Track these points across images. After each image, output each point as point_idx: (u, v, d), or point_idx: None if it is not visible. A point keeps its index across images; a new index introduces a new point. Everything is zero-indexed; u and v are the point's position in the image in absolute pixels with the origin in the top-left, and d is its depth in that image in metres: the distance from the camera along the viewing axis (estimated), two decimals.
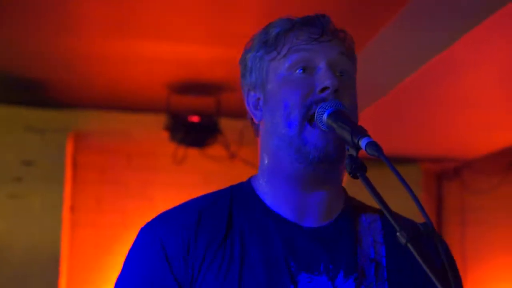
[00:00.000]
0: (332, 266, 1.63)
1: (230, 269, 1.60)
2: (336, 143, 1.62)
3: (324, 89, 1.63)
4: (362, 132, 1.54)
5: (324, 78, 1.63)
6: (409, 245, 1.36)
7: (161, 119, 5.62)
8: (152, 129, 5.86)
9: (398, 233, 1.38)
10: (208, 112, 5.57)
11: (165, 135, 5.60)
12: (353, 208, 1.75)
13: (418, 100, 4.45)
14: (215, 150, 5.80)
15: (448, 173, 6.50)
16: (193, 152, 5.84)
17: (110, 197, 6.15)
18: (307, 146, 1.62)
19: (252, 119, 1.76)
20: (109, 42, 4.53)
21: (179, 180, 6.05)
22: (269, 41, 1.70)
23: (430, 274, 1.32)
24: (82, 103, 5.92)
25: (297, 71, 1.65)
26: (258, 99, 1.72)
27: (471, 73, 3.91)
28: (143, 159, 6.22)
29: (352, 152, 1.54)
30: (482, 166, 6.29)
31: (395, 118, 4.85)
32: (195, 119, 5.55)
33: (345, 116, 1.60)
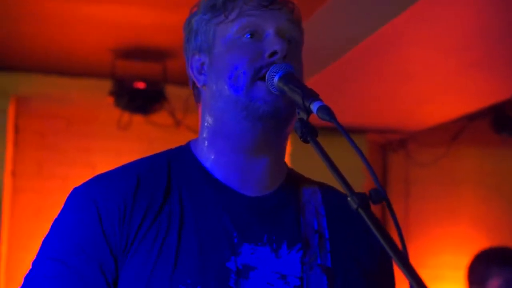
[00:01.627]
0: (275, 237, 1.60)
1: (167, 239, 1.56)
2: (286, 102, 1.59)
3: (273, 53, 1.60)
4: (314, 96, 1.51)
5: (273, 43, 1.61)
6: (360, 210, 1.33)
7: (105, 85, 5.52)
8: (95, 95, 5.77)
9: (349, 198, 1.34)
10: (154, 79, 5.50)
11: (109, 100, 5.51)
12: (294, 179, 1.73)
13: (362, 72, 4.46)
14: (161, 117, 5.73)
15: (393, 144, 6.53)
16: (137, 118, 5.76)
17: (51, 163, 6.04)
18: (256, 102, 1.59)
19: (194, 84, 1.71)
20: (51, 2, 4.42)
21: (123, 147, 5.97)
22: (217, 5, 1.66)
23: (381, 240, 1.30)
24: (25, 66, 5.78)
25: (245, 35, 1.62)
26: (203, 63, 1.68)
27: (415, 45, 3.93)
28: (86, 125, 6.11)
29: (303, 115, 1.51)
30: (426, 138, 6.34)
31: (339, 89, 4.85)
32: (140, 85, 5.48)
33: (296, 79, 1.57)
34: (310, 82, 4.53)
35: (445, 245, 6.39)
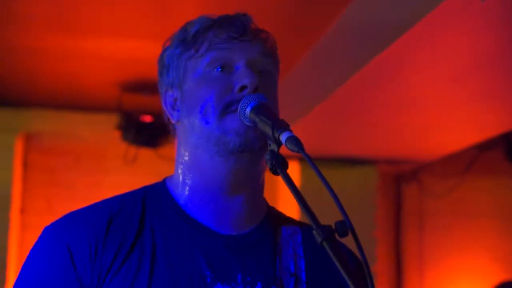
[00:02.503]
0: (249, 278, 1.56)
1: (138, 277, 1.51)
2: (258, 134, 1.55)
3: (242, 87, 1.57)
4: (284, 126, 1.47)
5: (242, 77, 1.58)
6: (324, 243, 1.29)
7: (112, 119, 5.52)
8: (103, 129, 5.76)
9: (314, 231, 1.30)
10: (161, 112, 5.46)
11: (116, 135, 5.51)
12: (274, 218, 1.68)
13: (371, 100, 4.41)
14: (168, 150, 5.71)
15: (405, 175, 6.47)
16: (145, 152, 5.74)
17: (60, 199, 6.03)
18: (228, 135, 1.56)
19: (169, 119, 1.68)
20: (59, 38, 4.43)
21: (131, 181, 5.90)
22: (187, 39, 1.63)
23: (343, 273, 1.26)
24: (32, 102, 5.80)
25: (215, 69, 1.60)
26: (175, 99, 1.65)
27: (422, 72, 3.87)
28: (94, 160, 6.11)
29: (274, 147, 1.48)
30: (439, 169, 6.28)
31: (347, 118, 4.81)
32: (147, 118, 5.47)
33: (268, 110, 1.53)
34: (316, 111, 4.53)
35: (461, 277, 6.29)
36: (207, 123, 1.57)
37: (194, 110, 1.59)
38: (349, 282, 1.24)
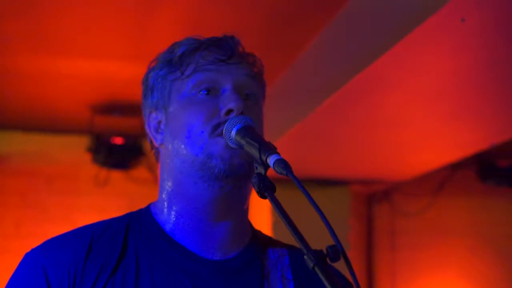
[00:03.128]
0: None
1: None
2: (243, 159, 1.53)
3: (229, 111, 1.55)
4: (271, 149, 1.45)
5: (229, 100, 1.56)
6: (316, 268, 1.26)
7: (83, 141, 5.47)
8: (73, 151, 5.70)
9: (305, 256, 1.28)
10: (133, 134, 5.44)
11: (87, 157, 5.45)
12: (260, 241, 1.66)
13: (342, 121, 4.41)
14: (140, 172, 5.66)
15: (377, 195, 6.47)
16: (116, 174, 5.69)
17: (30, 222, 5.94)
18: (213, 160, 1.53)
19: (152, 142, 1.65)
20: (29, 58, 4.38)
21: (102, 204, 5.87)
22: (173, 60, 1.61)
23: None
24: (1, 123, 5.72)
25: (201, 92, 1.57)
26: (160, 121, 1.63)
27: (394, 92, 3.87)
28: (65, 182, 6.03)
29: (260, 170, 1.45)
30: (411, 189, 6.29)
31: (320, 139, 4.79)
32: (118, 140, 5.42)
33: (254, 132, 1.52)
34: (288, 134, 4.51)
35: None
36: (192, 147, 1.54)
37: (179, 135, 1.56)
38: None
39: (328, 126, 4.52)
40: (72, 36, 4.05)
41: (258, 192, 1.43)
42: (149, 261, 1.53)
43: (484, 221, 6.43)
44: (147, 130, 1.65)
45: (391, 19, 3.20)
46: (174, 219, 1.58)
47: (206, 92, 1.57)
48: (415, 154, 5.19)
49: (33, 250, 1.56)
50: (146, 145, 5.41)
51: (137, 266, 1.52)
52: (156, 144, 1.63)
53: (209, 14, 3.73)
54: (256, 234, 1.67)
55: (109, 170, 5.59)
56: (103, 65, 4.49)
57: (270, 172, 1.45)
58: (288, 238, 1.73)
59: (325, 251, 1.29)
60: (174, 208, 1.59)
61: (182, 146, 1.55)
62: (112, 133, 5.43)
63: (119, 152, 5.38)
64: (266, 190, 1.43)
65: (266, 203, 1.65)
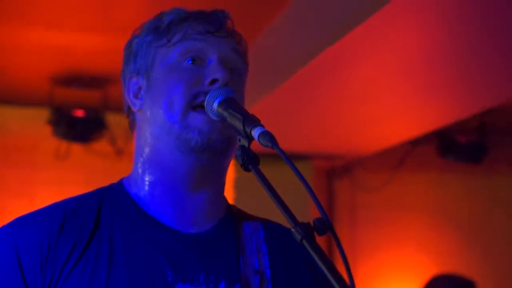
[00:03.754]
0: (212, 277, 1.51)
1: (95, 277, 1.46)
2: (222, 133, 1.52)
3: (213, 81, 1.54)
4: (255, 122, 1.44)
5: (214, 70, 1.54)
6: (304, 241, 1.26)
7: (43, 113, 5.39)
8: (34, 124, 5.62)
9: (292, 229, 1.28)
10: (94, 106, 5.37)
11: (47, 129, 5.37)
12: (234, 215, 1.64)
13: (306, 96, 4.41)
14: (101, 145, 5.60)
15: (338, 170, 6.50)
16: (77, 147, 5.62)
17: None
18: (190, 132, 1.51)
19: (129, 109, 1.63)
20: None
21: (62, 177, 5.79)
22: (160, 27, 1.59)
23: (325, 272, 1.23)
24: None
25: (187, 60, 1.55)
26: (140, 87, 1.60)
27: (358, 69, 3.88)
28: (23, 155, 5.94)
29: (244, 142, 1.44)
30: (372, 164, 6.33)
31: (283, 114, 4.80)
32: (79, 113, 5.35)
33: (237, 104, 1.50)
34: (255, 107, 4.50)
35: (392, 271, 6.36)
36: (171, 116, 1.52)
37: (159, 101, 1.54)
38: (332, 279, 1.21)
39: (292, 101, 4.51)
40: (31, 5, 3.98)
41: (241, 165, 1.42)
42: (122, 235, 1.51)
43: (443, 197, 6.50)
44: (125, 96, 1.62)
45: None
46: (148, 190, 1.56)
47: (191, 61, 1.55)
48: (376, 129, 5.22)
49: (3, 228, 1.53)
50: (108, 118, 5.38)
51: (111, 241, 1.50)
52: (134, 109, 1.60)
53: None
54: (231, 208, 1.66)
55: (69, 143, 5.52)
56: (63, 35, 4.42)
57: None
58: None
59: (312, 224, 1.28)
60: (148, 177, 1.56)
61: (161, 111, 1.53)
62: (73, 106, 5.36)
63: (80, 125, 5.31)
64: (250, 162, 1.41)
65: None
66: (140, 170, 1.58)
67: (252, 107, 4.38)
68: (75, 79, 5.17)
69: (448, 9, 3.06)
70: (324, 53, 3.57)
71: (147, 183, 1.56)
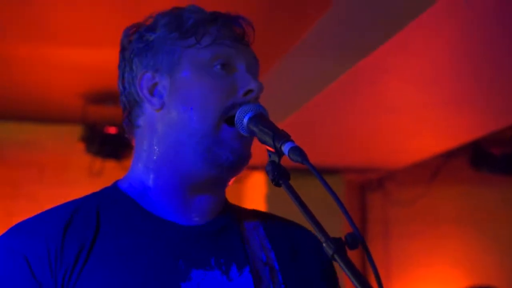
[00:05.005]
0: (223, 260, 1.52)
1: (107, 276, 1.45)
2: (249, 150, 1.54)
3: (248, 91, 1.53)
4: (285, 137, 1.43)
5: (248, 81, 1.54)
6: (335, 256, 1.25)
7: (76, 130, 5.43)
8: (66, 141, 5.66)
9: (324, 244, 1.27)
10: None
11: (80, 146, 5.41)
12: (233, 209, 1.64)
13: (337, 110, 4.41)
14: None
15: (371, 184, 6.47)
16: (110, 164, 5.65)
17: (22, 212, 5.86)
18: (222, 147, 1.51)
19: (127, 104, 1.59)
20: (22, 46, 4.35)
21: None
22: (185, 26, 1.55)
23: (358, 287, 1.23)
24: None
25: (217, 66, 1.54)
26: (156, 83, 1.55)
27: (390, 81, 3.87)
28: (58, 172, 5.99)
29: (274, 158, 1.44)
30: (405, 177, 6.29)
31: (315, 128, 4.80)
32: (112, 130, 5.38)
33: (267, 120, 1.50)
34: (286, 122, 4.50)
35: (427, 284, 6.31)
36: (203, 125, 1.50)
37: (191, 104, 1.51)
38: None
39: (323, 115, 4.51)
40: (65, 23, 4.02)
41: (272, 180, 1.42)
42: (126, 233, 1.50)
43: (477, 209, 6.44)
44: (137, 90, 1.57)
45: (391, 7, 3.19)
46: (153, 188, 1.55)
47: (221, 67, 1.54)
48: (409, 142, 5.20)
49: (5, 236, 1.50)
50: None
51: (116, 239, 1.49)
52: (155, 107, 1.55)
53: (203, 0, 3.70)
54: (228, 203, 1.65)
55: (103, 160, 5.56)
56: (96, 53, 4.46)
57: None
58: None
59: (343, 239, 1.27)
60: (157, 177, 1.55)
61: (193, 120, 1.51)
62: (106, 123, 5.39)
63: (112, 141, 5.34)
64: (281, 177, 1.41)
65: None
66: (146, 169, 1.56)
67: (283, 122, 4.38)
68: (108, 96, 5.20)
69: (480, 19, 3.05)
70: (355, 67, 3.57)
71: (152, 182, 1.55)
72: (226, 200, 1.64)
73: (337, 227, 5.39)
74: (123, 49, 1.61)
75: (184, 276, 1.48)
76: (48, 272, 1.44)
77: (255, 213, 1.67)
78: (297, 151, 1.39)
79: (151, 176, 1.55)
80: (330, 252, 1.26)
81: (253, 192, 5.97)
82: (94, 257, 1.46)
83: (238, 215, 1.63)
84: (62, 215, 1.51)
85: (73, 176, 5.95)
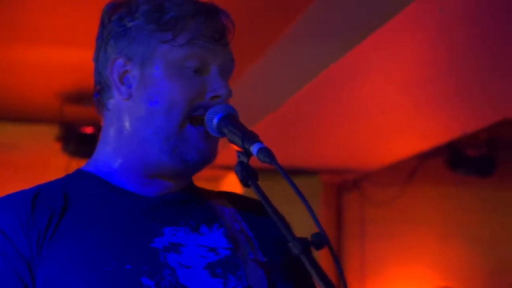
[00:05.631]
0: (192, 222, 1.55)
1: (80, 234, 1.48)
2: (215, 148, 1.55)
3: (216, 97, 1.53)
4: (254, 138, 1.44)
5: (218, 85, 1.54)
6: (301, 257, 1.27)
7: (52, 130, 5.41)
8: (43, 141, 5.64)
9: (290, 244, 1.29)
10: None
11: (57, 146, 5.39)
12: (202, 190, 1.66)
13: (314, 111, 4.42)
14: None
15: (348, 185, 6.49)
16: None
17: None
18: (187, 147, 1.52)
19: (98, 82, 1.58)
20: None
21: None
22: (164, 19, 1.53)
23: (323, 286, 1.25)
24: None
25: (189, 66, 1.53)
26: (126, 71, 1.55)
27: (366, 83, 3.89)
28: (33, 172, 5.95)
29: (243, 158, 1.45)
30: (381, 178, 6.32)
31: (292, 130, 4.81)
32: (88, 130, 5.36)
33: (236, 121, 1.51)
34: (261, 124, 4.51)
35: (402, 285, 6.34)
36: (168, 125, 1.51)
37: (157, 101, 1.52)
38: None
39: (300, 116, 4.52)
40: (40, 23, 4.00)
41: (241, 181, 1.43)
42: (95, 203, 1.53)
43: (453, 210, 6.49)
44: (108, 73, 1.56)
45: (368, 7, 3.20)
46: (119, 169, 1.56)
47: (194, 68, 1.53)
48: (385, 143, 5.22)
49: None
50: None
51: (85, 208, 1.52)
52: (122, 96, 1.55)
53: None
54: (195, 185, 1.66)
55: (79, 160, 5.54)
56: (72, 52, 4.45)
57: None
58: None
59: (309, 239, 1.29)
60: (123, 162, 1.56)
61: (159, 117, 1.52)
62: (82, 122, 5.38)
63: (89, 141, 5.32)
64: (249, 178, 1.42)
65: None
66: (113, 154, 1.57)
67: (261, 122, 4.39)
68: (84, 95, 5.18)
69: (459, 22, 3.07)
70: (330, 69, 3.59)
71: (119, 165, 1.56)
72: (192, 182, 1.65)
73: (311, 227, 5.43)
74: (102, 26, 1.59)
75: (156, 232, 1.50)
76: (23, 237, 1.46)
77: (225, 193, 1.70)
78: (266, 151, 1.40)
79: (118, 161, 1.56)
80: (296, 252, 1.27)
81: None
82: (66, 219, 1.49)
83: (206, 192, 1.65)
84: (30, 190, 1.54)
85: (50, 176, 5.85)
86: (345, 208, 6.57)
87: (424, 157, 5.99)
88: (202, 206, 1.60)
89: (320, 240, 1.29)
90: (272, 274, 1.58)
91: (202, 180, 1.70)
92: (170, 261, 1.49)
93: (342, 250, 6.49)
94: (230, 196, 1.69)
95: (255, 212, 1.63)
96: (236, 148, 1.47)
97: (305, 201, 1.33)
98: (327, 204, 6.34)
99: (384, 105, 4.36)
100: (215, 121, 1.50)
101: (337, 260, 1.30)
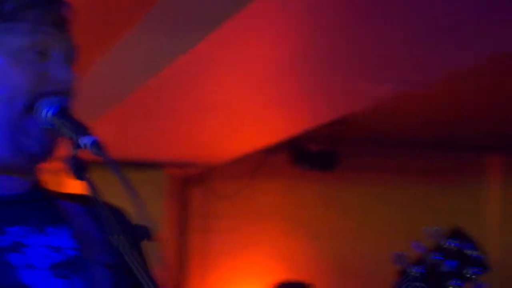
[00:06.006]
0: (39, 222, 1.51)
1: None
2: (56, 141, 1.50)
3: (60, 82, 1.50)
4: (85, 131, 1.42)
5: (62, 71, 1.50)
6: (121, 249, 1.31)
7: None
8: None
9: (110, 238, 1.32)
10: None
11: None
12: (49, 191, 1.61)
13: (159, 105, 4.41)
14: None
15: (193, 178, 6.51)
16: None
17: None
18: (28, 137, 1.48)
19: None
20: None
21: None
22: (3, 10, 1.49)
23: (141, 278, 1.30)
24: None
25: (32, 53, 1.49)
26: None
27: (211, 77, 3.91)
28: None
29: (75, 151, 1.42)
30: (226, 172, 6.36)
31: (137, 122, 4.77)
32: None
33: (70, 113, 1.48)
34: (108, 114, 4.44)
35: (243, 277, 6.43)
36: (9, 113, 1.47)
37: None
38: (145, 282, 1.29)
39: (145, 108, 4.50)
40: None
41: (74, 175, 1.41)
42: None
43: (296, 204, 6.61)
44: None
45: (207, 6, 3.21)
46: None
47: (37, 54, 1.49)
48: (230, 138, 5.27)
49: None
50: None
51: None
52: None
53: None
54: (43, 186, 1.61)
55: None
56: None
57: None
58: None
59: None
60: None
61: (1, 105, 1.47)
62: None
63: None
64: (82, 171, 1.41)
65: None
66: None
67: (104, 115, 4.33)
68: None
69: (301, 21, 3.12)
70: (175, 63, 3.58)
71: None
72: (41, 182, 1.60)
73: (157, 220, 5.41)
74: None
75: None
76: None
77: (76, 195, 1.63)
78: (97, 144, 1.39)
79: None
80: (115, 244, 1.30)
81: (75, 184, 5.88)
82: None
83: (56, 193, 1.61)
84: None
85: None
86: (190, 202, 6.58)
87: (269, 152, 6.07)
88: (50, 206, 1.55)
89: (145, 232, 1.32)
90: (119, 275, 1.55)
91: (48, 172, 1.65)
92: (13, 261, 1.45)
93: (185, 244, 6.50)
94: (81, 198, 1.62)
95: (106, 214, 1.61)
96: (69, 141, 1.45)
97: (134, 193, 1.33)
98: (171, 198, 6.33)
99: (229, 101, 4.40)
100: (47, 113, 1.46)
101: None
